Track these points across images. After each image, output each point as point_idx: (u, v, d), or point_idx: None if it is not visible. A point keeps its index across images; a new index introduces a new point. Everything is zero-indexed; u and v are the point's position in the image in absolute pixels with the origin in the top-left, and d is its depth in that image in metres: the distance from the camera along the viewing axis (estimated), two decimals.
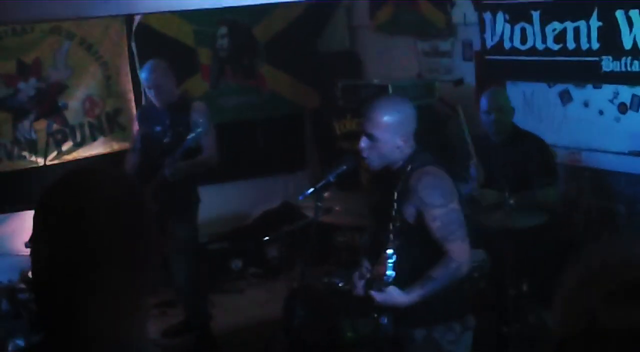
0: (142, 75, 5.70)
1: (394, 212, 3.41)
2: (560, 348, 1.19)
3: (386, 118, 3.47)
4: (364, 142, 3.52)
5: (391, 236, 3.43)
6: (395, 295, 3.38)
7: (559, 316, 1.21)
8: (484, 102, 5.14)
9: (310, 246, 4.67)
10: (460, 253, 3.40)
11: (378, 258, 3.54)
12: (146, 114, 5.78)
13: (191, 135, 5.29)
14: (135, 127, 5.87)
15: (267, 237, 6.18)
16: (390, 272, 3.38)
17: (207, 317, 5.83)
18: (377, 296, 3.41)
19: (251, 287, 6.75)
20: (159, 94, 5.54)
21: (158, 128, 5.56)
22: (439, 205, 3.39)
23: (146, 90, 5.74)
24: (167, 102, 5.55)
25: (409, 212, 3.43)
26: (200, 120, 5.45)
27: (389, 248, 3.39)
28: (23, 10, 3.10)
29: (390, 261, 3.39)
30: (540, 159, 5.04)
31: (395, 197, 3.42)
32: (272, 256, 6.78)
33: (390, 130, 3.46)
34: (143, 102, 6.38)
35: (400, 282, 3.41)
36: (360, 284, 3.62)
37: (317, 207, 4.65)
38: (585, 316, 1.16)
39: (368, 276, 3.59)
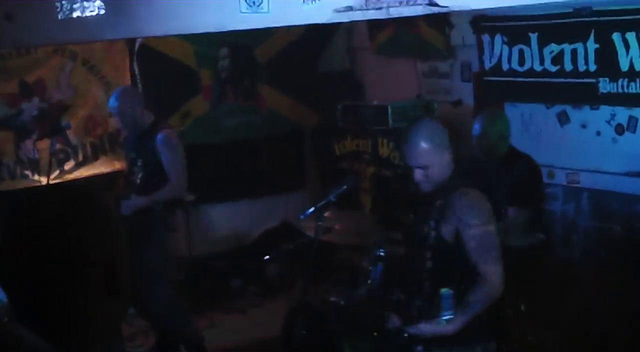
0: (109, 102, 5.69)
1: (431, 231, 3.54)
2: None
3: (429, 145, 3.56)
4: (419, 175, 3.59)
5: (428, 254, 3.55)
6: (444, 326, 3.44)
7: None
8: (476, 127, 5.13)
9: (311, 264, 4.72)
10: (494, 276, 3.47)
11: (415, 284, 3.63)
12: (128, 140, 5.83)
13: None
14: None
15: (267, 256, 6.21)
16: (447, 314, 3.43)
17: (197, 339, 5.76)
18: (426, 328, 3.48)
19: (252, 306, 6.76)
20: (121, 122, 5.59)
21: (133, 155, 5.64)
22: (476, 225, 3.48)
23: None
24: (136, 130, 5.57)
25: (448, 231, 3.52)
26: (165, 156, 5.46)
27: (443, 287, 3.45)
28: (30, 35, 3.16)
29: (447, 301, 3.43)
30: (522, 183, 5.02)
31: (435, 216, 3.54)
32: (273, 275, 6.80)
33: (438, 153, 3.57)
34: None
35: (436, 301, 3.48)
36: (393, 317, 3.70)
37: (317, 226, 4.71)
38: None
39: (413, 310, 3.63)
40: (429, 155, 3.56)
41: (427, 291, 3.58)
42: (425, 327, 3.47)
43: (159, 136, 5.51)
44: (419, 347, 3.60)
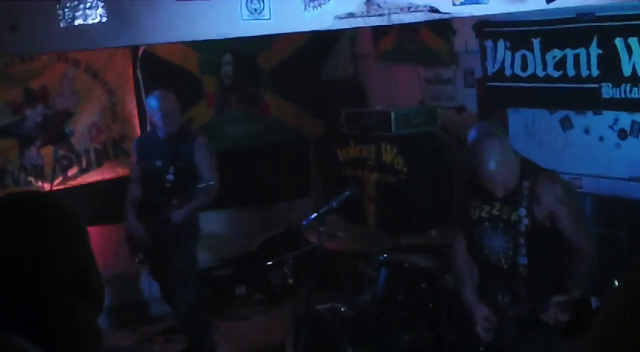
0: (152, 103, 5.75)
1: (523, 218, 3.74)
2: None
3: (500, 165, 3.77)
4: (500, 192, 3.81)
5: (521, 240, 3.75)
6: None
7: None
8: (472, 134, 5.11)
9: (315, 271, 4.71)
10: (592, 248, 3.73)
11: (509, 271, 3.81)
12: (146, 145, 5.84)
13: (201, 185, 5.39)
14: (133, 157, 5.94)
15: (270, 262, 6.22)
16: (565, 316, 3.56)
17: (212, 345, 5.83)
18: (562, 315, 3.58)
19: (255, 314, 6.75)
20: (168, 123, 5.62)
21: (159, 162, 5.62)
22: (572, 203, 3.78)
23: (154, 118, 5.80)
24: (171, 132, 5.63)
25: (542, 214, 3.75)
26: (203, 161, 5.56)
27: (541, 269, 3.72)
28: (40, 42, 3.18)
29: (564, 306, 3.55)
30: None
31: (524, 202, 3.75)
32: (277, 282, 6.79)
33: (509, 165, 3.79)
34: (148, 129, 6.42)
35: (538, 288, 3.69)
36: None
37: (320, 233, 4.70)
38: None
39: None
40: (502, 177, 3.79)
41: (524, 275, 3.78)
42: (563, 315, 3.58)
43: (197, 142, 5.65)
44: (512, 331, 3.82)
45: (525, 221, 3.74)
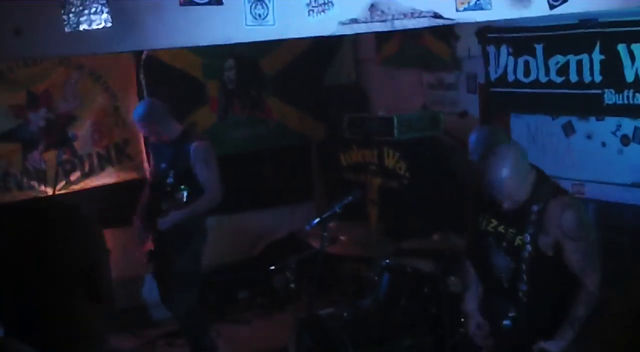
0: (134, 113, 5.84)
1: (527, 244, 3.55)
2: None
3: (511, 177, 3.54)
4: (507, 205, 3.61)
5: (524, 267, 3.56)
6: (560, 347, 3.52)
7: None
8: (472, 138, 5.09)
9: (317, 276, 4.72)
10: (597, 284, 3.50)
11: (509, 294, 3.67)
12: (155, 147, 5.89)
13: (183, 196, 5.39)
14: (149, 159, 6.01)
15: (272, 267, 6.22)
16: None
17: (213, 347, 5.84)
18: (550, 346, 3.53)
19: (258, 318, 6.76)
20: (148, 131, 5.73)
21: (163, 165, 5.65)
22: (582, 237, 3.52)
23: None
24: (164, 139, 5.63)
25: (546, 243, 3.55)
26: (198, 165, 5.53)
27: (541, 299, 3.59)
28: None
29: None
30: None
31: (530, 228, 3.55)
32: (280, 287, 6.80)
33: (519, 179, 3.57)
34: None
35: (538, 316, 3.59)
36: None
37: (323, 237, 4.72)
38: None
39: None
40: (512, 187, 3.56)
41: (523, 301, 3.64)
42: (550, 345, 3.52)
43: (192, 147, 5.56)
44: None
45: (529, 248, 3.58)
